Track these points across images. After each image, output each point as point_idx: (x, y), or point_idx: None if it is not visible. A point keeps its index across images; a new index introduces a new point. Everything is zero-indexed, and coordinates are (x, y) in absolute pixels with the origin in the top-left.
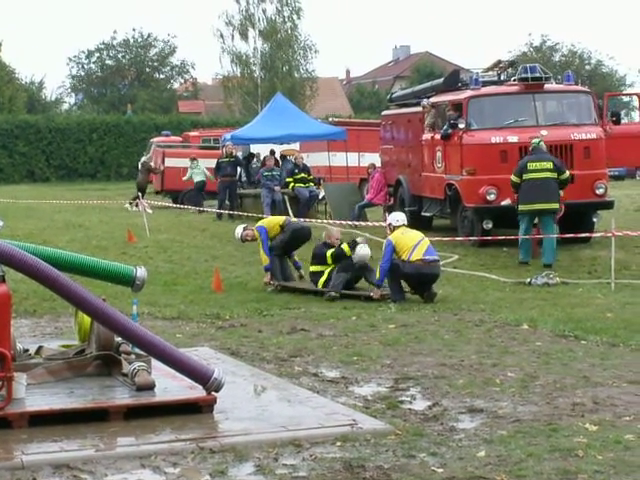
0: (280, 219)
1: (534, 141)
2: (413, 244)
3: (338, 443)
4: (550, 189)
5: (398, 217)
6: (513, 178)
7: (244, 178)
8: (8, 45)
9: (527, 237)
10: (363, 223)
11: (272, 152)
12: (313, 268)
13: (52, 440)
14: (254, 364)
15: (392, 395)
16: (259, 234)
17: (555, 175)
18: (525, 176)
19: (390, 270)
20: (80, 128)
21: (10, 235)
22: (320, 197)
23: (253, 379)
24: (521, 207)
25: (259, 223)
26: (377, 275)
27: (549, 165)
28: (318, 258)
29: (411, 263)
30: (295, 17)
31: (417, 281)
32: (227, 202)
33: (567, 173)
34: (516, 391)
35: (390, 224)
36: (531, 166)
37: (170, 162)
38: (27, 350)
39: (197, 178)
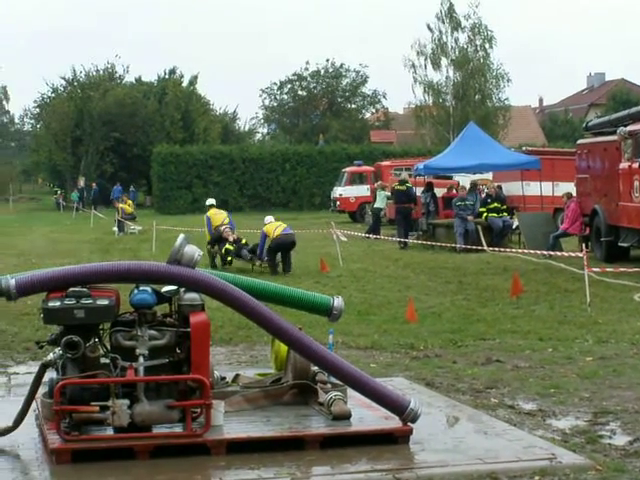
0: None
1: None
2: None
3: (537, 477)
4: None
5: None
6: None
7: (432, 207)
8: (203, 77)
9: None
10: (558, 253)
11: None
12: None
13: (249, 467)
14: (449, 395)
15: (591, 429)
16: (205, 220)
17: None
18: None
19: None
20: (273, 158)
21: (206, 264)
22: (514, 227)
23: (448, 410)
24: None
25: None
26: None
27: None
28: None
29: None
30: (487, 46)
31: None
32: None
33: None
34: None
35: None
36: None
37: None
38: (224, 378)
39: (376, 205)
